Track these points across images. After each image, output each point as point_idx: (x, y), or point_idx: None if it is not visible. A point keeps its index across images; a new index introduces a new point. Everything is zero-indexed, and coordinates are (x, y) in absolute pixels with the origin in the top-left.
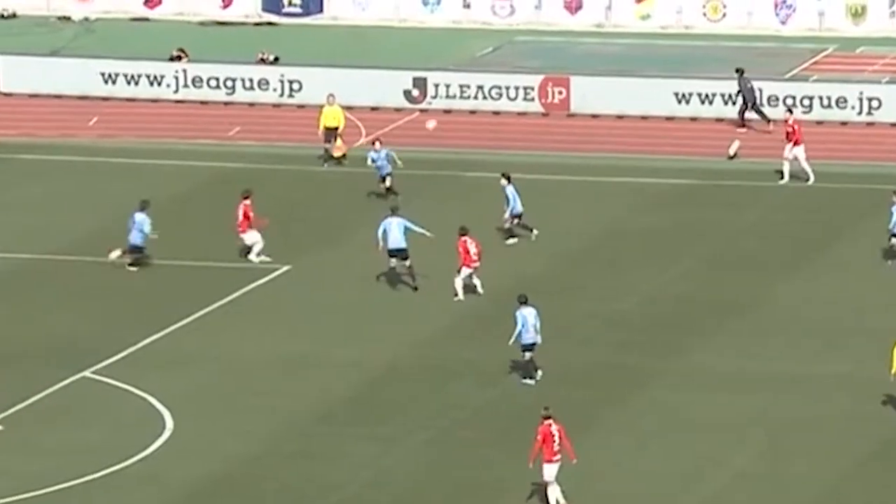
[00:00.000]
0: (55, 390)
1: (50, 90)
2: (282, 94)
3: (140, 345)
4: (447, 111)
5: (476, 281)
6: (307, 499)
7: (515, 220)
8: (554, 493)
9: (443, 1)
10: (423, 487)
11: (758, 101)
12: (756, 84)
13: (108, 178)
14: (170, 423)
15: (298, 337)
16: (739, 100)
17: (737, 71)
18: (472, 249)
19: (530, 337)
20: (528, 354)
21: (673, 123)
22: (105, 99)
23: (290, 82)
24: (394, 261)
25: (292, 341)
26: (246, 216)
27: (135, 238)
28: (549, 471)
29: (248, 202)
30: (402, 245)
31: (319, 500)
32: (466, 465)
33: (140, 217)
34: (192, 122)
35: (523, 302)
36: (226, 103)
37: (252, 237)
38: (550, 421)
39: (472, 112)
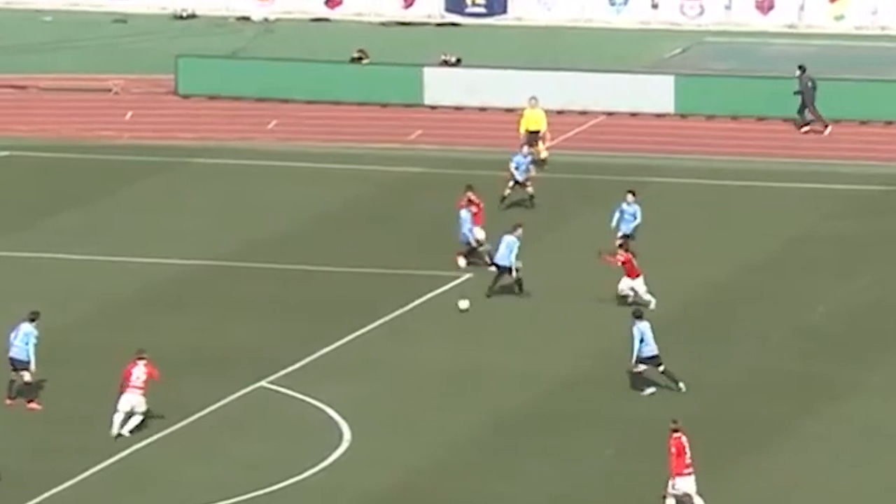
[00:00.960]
0: (231, 400)
1: (228, 92)
2: (464, 97)
3: (317, 354)
4: (633, 114)
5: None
6: None
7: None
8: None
9: (630, 1)
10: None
11: (815, 101)
12: None
13: (287, 182)
14: (347, 434)
15: (479, 346)
16: (799, 98)
17: (799, 68)
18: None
19: (650, 349)
20: (641, 367)
21: (867, 128)
22: (284, 101)
23: (473, 84)
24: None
25: (472, 350)
26: (479, 208)
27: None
28: (684, 483)
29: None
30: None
31: None
32: (645, 480)
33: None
34: (372, 125)
35: (639, 317)
36: (406, 105)
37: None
38: (680, 433)
39: (659, 115)
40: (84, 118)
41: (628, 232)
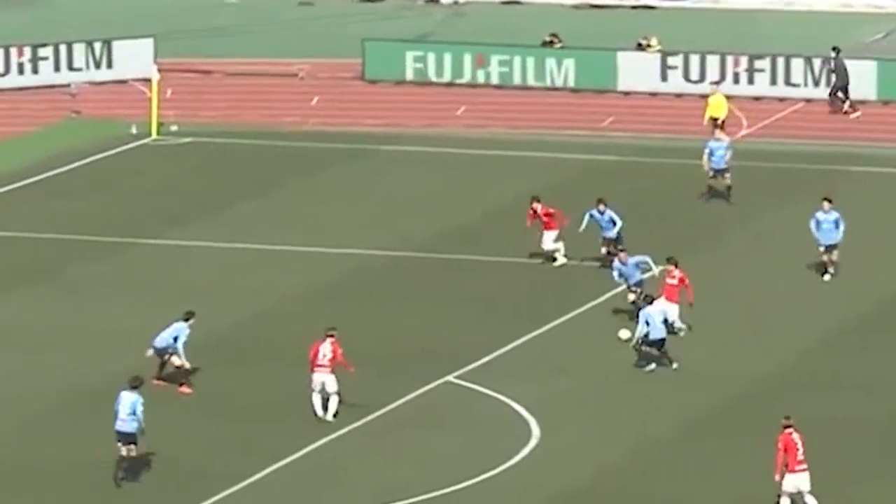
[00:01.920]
0: (417, 395)
1: (416, 77)
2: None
3: (505, 349)
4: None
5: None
6: None
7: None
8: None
9: None
10: None
11: (849, 83)
12: None
13: (475, 170)
14: (536, 430)
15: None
16: (833, 79)
17: (833, 49)
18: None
19: (659, 332)
20: (646, 348)
21: None
22: (472, 87)
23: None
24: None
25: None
26: (549, 216)
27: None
28: (792, 481)
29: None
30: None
31: None
32: (833, 484)
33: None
34: (563, 111)
35: (650, 302)
36: (599, 91)
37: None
38: (791, 430)
39: (859, 102)
40: (269, 104)
41: (829, 243)
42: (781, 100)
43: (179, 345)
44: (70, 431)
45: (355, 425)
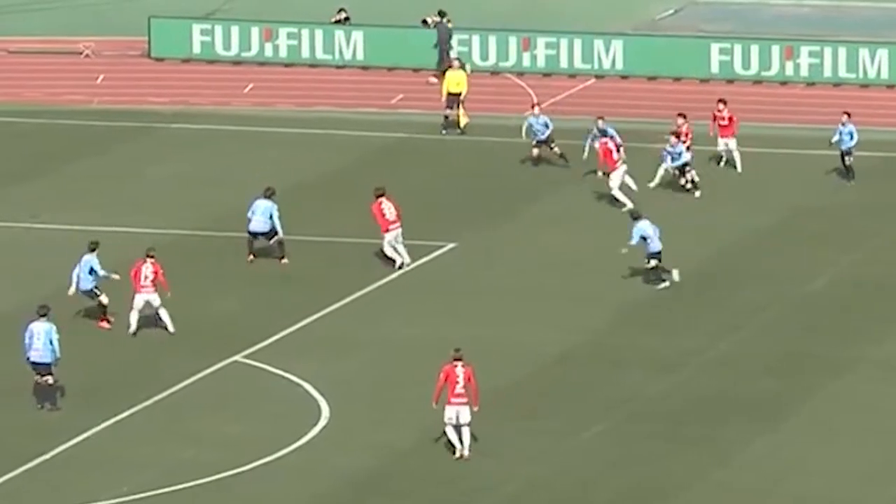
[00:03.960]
0: (206, 375)
1: (204, 55)
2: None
3: (295, 327)
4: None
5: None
6: (463, 495)
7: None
8: (458, 435)
9: None
10: (589, 487)
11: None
12: None
13: (264, 148)
14: (326, 410)
15: (461, 320)
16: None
17: (439, 14)
18: (390, 213)
19: (655, 245)
20: (653, 262)
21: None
22: (261, 64)
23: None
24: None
25: (454, 324)
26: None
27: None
28: (448, 412)
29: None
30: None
31: (476, 497)
32: (636, 461)
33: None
34: (352, 88)
35: (636, 217)
36: (389, 69)
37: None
38: (459, 362)
39: (651, 78)
40: (54, 82)
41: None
42: (572, 76)
43: (101, 274)
44: None
45: (140, 406)
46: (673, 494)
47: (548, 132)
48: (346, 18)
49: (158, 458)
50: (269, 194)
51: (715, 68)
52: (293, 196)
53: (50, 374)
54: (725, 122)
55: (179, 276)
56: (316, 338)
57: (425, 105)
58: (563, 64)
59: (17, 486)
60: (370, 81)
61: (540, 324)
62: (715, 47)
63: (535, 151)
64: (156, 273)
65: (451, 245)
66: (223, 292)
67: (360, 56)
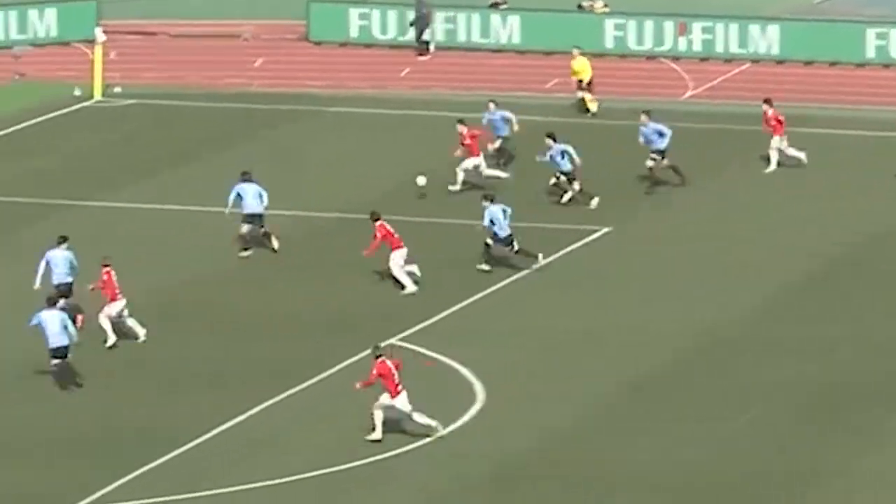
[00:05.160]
0: (362, 358)
1: (361, 39)
2: None
3: (450, 310)
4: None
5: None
6: (616, 477)
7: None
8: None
9: None
10: (746, 472)
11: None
12: None
13: (419, 131)
14: (481, 394)
15: (615, 304)
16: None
17: None
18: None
19: (503, 231)
20: (491, 245)
21: None
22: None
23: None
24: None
25: (608, 309)
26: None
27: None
28: (398, 403)
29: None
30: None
31: (630, 483)
32: (790, 446)
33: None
34: (508, 73)
35: (491, 200)
36: (546, 53)
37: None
38: (383, 358)
39: (807, 63)
40: (213, 65)
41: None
42: (727, 61)
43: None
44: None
45: (297, 389)
46: (826, 482)
47: (508, 127)
48: (503, 2)
49: (315, 440)
50: (247, 178)
51: (871, 53)
52: (449, 179)
53: (66, 356)
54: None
55: (338, 259)
56: (472, 322)
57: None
58: (719, 48)
59: (174, 467)
60: (526, 66)
61: (693, 306)
62: (871, 32)
63: (497, 144)
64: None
65: (605, 229)
66: (381, 275)
67: (516, 40)
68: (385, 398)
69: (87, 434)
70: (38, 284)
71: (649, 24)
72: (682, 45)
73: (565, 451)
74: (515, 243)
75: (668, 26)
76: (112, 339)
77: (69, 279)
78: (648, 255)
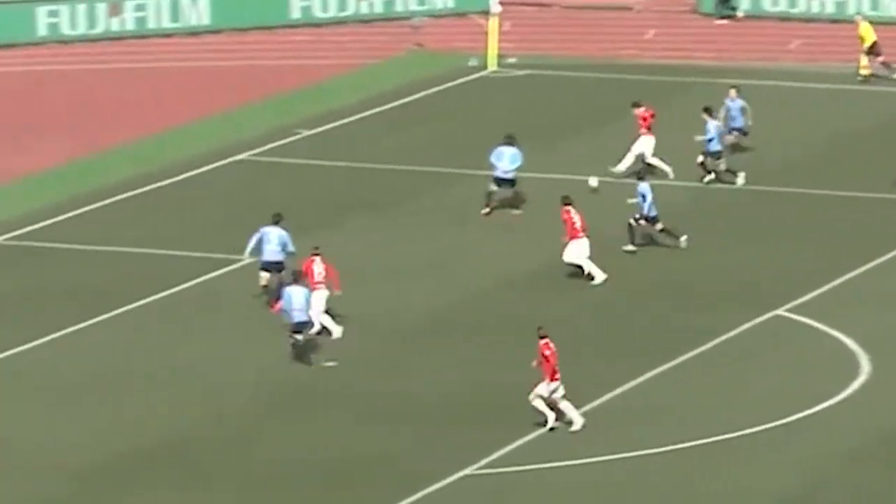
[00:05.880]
0: (745, 329)
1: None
2: None
3: (837, 281)
4: None
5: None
6: None
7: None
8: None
9: None
10: None
11: None
12: None
13: (812, 104)
14: (866, 366)
15: None
16: None
17: None
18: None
19: (651, 210)
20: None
21: None
22: (807, 21)
23: None
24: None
25: None
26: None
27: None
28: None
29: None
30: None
31: None
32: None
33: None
34: None
35: (641, 178)
36: None
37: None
38: (547, 340)
39: None
40: (605, 37)
41: None
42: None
43: (292, 249)
44: None
45: (683, 358)
46: None
47: (744, 118)
48: None
49: (697, 411)
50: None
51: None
52: (840, 149)
53: (301, 332)
54: None
55: (729, 231)
56: (859, 293)
57: None
58: None
59: (563, 433)
60: None
61: None
62: None
63: (733, 137)
64: (327, 270)
65: None
66: (768, 247)
67: None
68: (542, 387)
69: (463, 400)
70: (247, 257)
71: None
72: None
73: None
74: (660, 223)
75: None
76: None
77: (279, 257)
78: None
